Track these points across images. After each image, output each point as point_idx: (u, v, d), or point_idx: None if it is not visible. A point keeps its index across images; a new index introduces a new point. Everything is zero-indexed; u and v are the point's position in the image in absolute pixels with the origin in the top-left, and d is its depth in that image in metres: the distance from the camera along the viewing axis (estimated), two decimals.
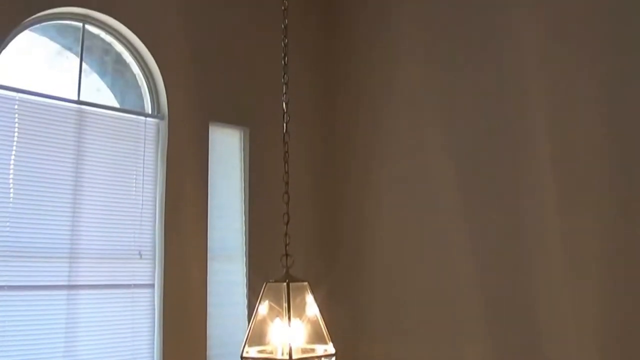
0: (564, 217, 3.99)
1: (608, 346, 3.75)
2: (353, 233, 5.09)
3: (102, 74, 4.35)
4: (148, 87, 4.44)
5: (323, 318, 2.45)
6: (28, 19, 3.85)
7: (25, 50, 3.94)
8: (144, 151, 4.31)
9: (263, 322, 2.42)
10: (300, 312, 2.42)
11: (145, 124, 4.35)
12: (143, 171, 4.28)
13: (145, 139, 4.32)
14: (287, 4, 2.89)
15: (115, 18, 4.21)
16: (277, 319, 2.40)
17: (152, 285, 4.22)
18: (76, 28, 4.17)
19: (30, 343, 3.65)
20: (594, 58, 3.98)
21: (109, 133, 4.16)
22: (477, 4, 4.58)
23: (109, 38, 4.32)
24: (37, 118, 3.84)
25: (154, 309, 4.20)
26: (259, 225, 4.69)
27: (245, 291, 4.62)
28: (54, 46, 4.15)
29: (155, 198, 4.31)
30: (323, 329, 2.44)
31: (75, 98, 4.05)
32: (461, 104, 4.56)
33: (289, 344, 2.33)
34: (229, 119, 4.75)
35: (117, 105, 4.34)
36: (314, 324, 2.43)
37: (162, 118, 4.42)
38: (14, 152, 3.71)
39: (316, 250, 4.99)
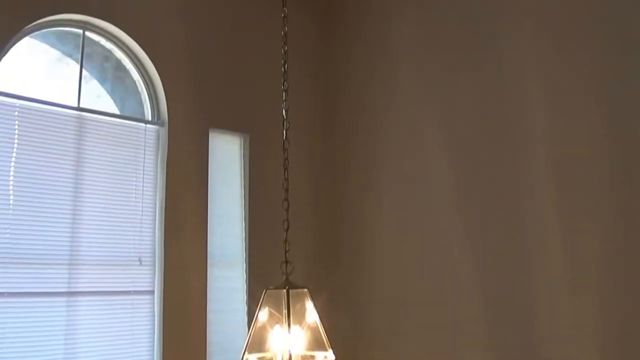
0: (563, 217, 3.98)
1: (608, 346, 3.74)
2: (353, 240, 5.09)
3: (102, 81, 4.35)
4: (148, 94, 4.44)
5: (323, 325, 2.45)
6: (28, 26, 3.86)
7: (26, 57, 3.95)
8: (144, 158, 4.31)
9: (263, 328, 2.42)
10: (300, 319, 2.41)
11: (145, 130, 4.36)
12: (143, 178, 4.28)
13: (145, 146, 4.33)
14: (286, 11, 2.90)
15: (115, 25, 4.23)
16: (277, 326, 2.39)
17: (152, 292, 4.22)
18: (76, 35, 4.18)
19: (30, 350, 3.64)
20: (594, 58, 3.98)
21: (109, 140, 4.17)
22: (476, 5, 4.59)
23: (109, 45, 4.33)
24: (37, 125, 3.84)
25: (153, 316, 4.20)
26: (259, 232, 4.69)
27: (245, 298, 4.61)
28: (55, 53, 4.16)
29: (155, 205, 4.31)
30: (323, 335, 2.43)
31: (76, 105, 4.06)
32: (461, 104, 4.56)
33: (289, 350, 2.33)
34: (229, 126, 4.76)
35: (117, 111, 4.35)
36: (314, 331, 2.43)
37: (162, 125, 4.42)
38: (14, 159, 3.72)
39: (316, 257, 4.99)
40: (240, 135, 4.84)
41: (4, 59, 3.76)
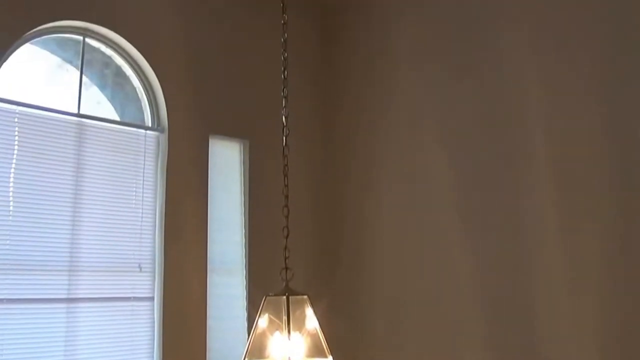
0: (563, 217, 3.98)
1: (608, 346, 3.73)
2: (353, 241, 5.08)
3: (102, 87, 4.36)
4: (148, 100, 4.45)
5: (323, 331, 2.45)
6: (29, 32, 3.87)
7: (26, 64, 3.96)
8: (144, 164, 4.31)
9: (263, 335, 2.41)
10: (300, 326, 2.41)
11: (145, 136, 4.36)
12: (143, 184, 4.28)
13: (145, 152, 4.33)
14: (286, 17, 2.91)
15: (115, 31, 4.23)
16: (277, 333, 2.39)
17: (152, 298, 4.21)
18: (76, 41, 4.19)
19: (30, 356, 3.63)
20: (594, 58, 3.98)
21: (109, 146, 4.17)
22: (476, 5, 4.60)
23: (109, 51, 4.33)
24: (37, 131, 3.85)
25: (153, 322, 4.19)
26: (259, 239, 4.69)
27: (245, 304, 4.60)
28: (55, 59, 4.17)
29: (155, 211, 4.31)
30: (323, 342, 2.43)
31: (76, 111, 4.06)
32: (461, 105, 4.56)
33: (289, 357, 2.33)
34: (229, 132, 4.76)
35: (117, 118, 4.35)
36: (314, 337, 2.43)
37: (162, 131, 4.42)
38: (13, 165, 3.72)
39: (316, 264, 4.98)
40: (240, 141, 4.84)
41: (4, 65, 3.77)
